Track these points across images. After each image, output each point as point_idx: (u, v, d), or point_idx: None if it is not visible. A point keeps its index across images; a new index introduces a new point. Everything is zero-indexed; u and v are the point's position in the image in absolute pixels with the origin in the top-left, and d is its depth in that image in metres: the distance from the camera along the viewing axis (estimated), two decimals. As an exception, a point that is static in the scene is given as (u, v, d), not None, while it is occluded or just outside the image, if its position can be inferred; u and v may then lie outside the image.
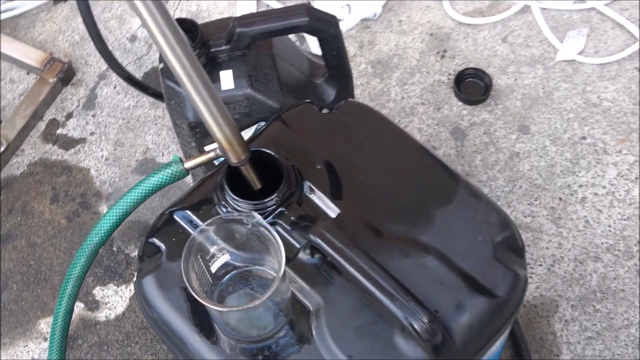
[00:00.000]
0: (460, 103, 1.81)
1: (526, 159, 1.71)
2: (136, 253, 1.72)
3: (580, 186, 1.65)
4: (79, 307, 1.67)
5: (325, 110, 1.01)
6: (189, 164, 0.92)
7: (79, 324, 1.65)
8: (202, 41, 1.06)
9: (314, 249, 0.88)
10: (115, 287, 1.68)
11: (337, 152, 0.96)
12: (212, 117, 0.83)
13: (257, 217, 0.82)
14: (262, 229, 0.84)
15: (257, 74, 1.11)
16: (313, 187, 0.92)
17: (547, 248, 1.58)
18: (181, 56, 0.76)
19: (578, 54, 1.84)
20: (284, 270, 0.80)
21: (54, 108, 1.95)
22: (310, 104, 1.02)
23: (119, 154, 1.86)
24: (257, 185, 0.94)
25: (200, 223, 0.93)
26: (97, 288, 1.69)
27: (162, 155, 1.83)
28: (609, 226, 1.59)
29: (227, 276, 0.90)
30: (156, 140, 1.86)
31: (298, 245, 0.91)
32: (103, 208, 1.79)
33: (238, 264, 0.89)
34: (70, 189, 1.83)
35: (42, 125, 1.93)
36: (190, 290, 0.78)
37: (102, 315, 1.66)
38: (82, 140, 1.90)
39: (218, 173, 0.96)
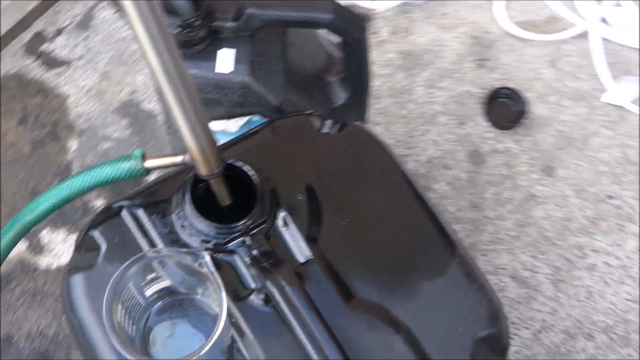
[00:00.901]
0: (486, 124, 1.68)
1: (542, 205, 1.58)
2: (98, 205, 1.62)
3: (594, 251, 1.54)
4: (21, 246, 1.57)
5: (325, 130, 0.89)
6: (150, 163, 0.81)
7: (16, 265, 1.56)
8: (207, 11, 0.94)
9: (269, 297, 0.78)
10: (65, 235, 1.58)
11: (326, 184, 0.85)
12: (185, 117, 0.71)
13: (207, 261, 0.72)
14: (209, 274, 0.74)
15: (262, 61, 0.99)
16: (288, 220, 0.82)
17: (540, 311, 1.47)
18: (153, 30, 0.63)
19: (630, 101, 1.71)
20: (222, 326, 0.71)
21: (44, 20, 1.81)
22: (310, 116, 0.91)
23: (104, 88, 1.73)
24: (226, 201, 0.83)
25: (150, 230, 0.83)
26: (46, 230, 1.59)
27: (149, 102, 1.71)
28: (612, 304, 1.47)
29: (162, 301, 0.80)
30: (147, 83, 1.72)
31: (253, 286, 0.81)
32: (72, 144, 1.67)
33: (178, 289, 0.80)
34: (42, 114, 1.70)
35: (26, 36, 1.79)
36: (111, 336, 0.68)
37: (44, 261, 1.56)
38: (67, 63, 1.76)
39: (185, 174, 0.85)
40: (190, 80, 0.71)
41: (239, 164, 0.81)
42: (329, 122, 0.91)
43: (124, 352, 0.70)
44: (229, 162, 0.80)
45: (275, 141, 0.89)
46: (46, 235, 1.60)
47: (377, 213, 0.84)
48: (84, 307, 0.81)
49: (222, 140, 1.10)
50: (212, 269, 0.73)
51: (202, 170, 0.77)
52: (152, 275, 0.76)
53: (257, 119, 1.04)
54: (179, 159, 0.79)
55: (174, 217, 0.82)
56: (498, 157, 1.65)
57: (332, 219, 0.85)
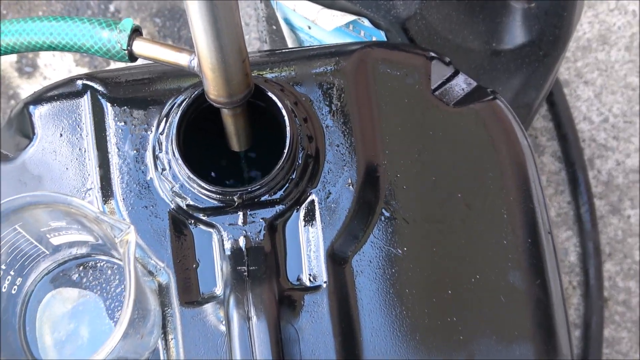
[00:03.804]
0: None
1: None
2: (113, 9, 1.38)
3: None
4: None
5: (442, 92, 0.61)
6: (140, 48, 0.56)
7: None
8: None
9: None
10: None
11: (405, 177, 0.59)
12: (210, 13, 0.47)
13: (129, 249, 0.47)
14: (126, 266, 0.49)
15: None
16: (316, 213, 0.57)
17: None
18: None
19: None
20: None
21: None
22: (436, 61, 0.62)
23: None
24: (240, 145, 0.62)
25: (111, 142, 0.59)
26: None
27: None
28: None
29: (72, 261, 0.57)
30: None
31: (215, 292, 0.57)
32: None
33: (97, 249, 0.57)
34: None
35: None
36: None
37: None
38: None
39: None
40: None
41: (277, 99, 0.55)
42: (460, 80, 0.62)
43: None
44: (260, 85, 0.56)
45: (358, 81, 0.62)
46: None
47: (463, 241, 0.57)
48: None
49: (289, 40, 0.82)
50: (131, 261, 0.49)
51: (214, 91, 0.53)
52: (59, 224, 0.53)
53: (367, 24, 0.76)
54: (182, 59, 0.55)
55: (152, 137, 0.60)
56: None
57: (389, 235, 0.60)
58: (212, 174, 0.65)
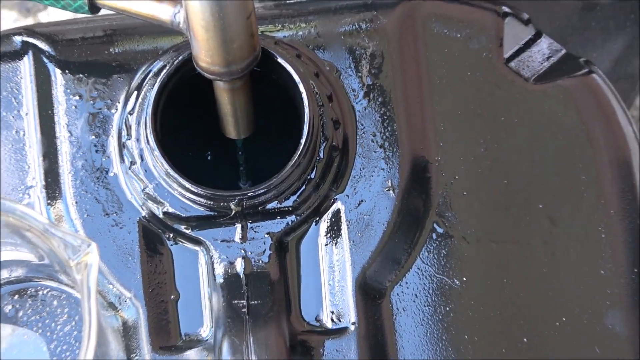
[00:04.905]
0: None
1: None
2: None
3: None
4: None
5: (518, 62, 0.49)
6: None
7: None
8: None
9: None
10: None
11: (465, 175, 0.48)
12: None
13: (89, 275, 0.36)
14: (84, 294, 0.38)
15: None
16: (343, 227, 0.45)
17: None
18: None
19: None
20: None
21: None
22: (512, 18, 0.52)
23: None
24: (239, 132, 0.51)
25: (62, 118, 0.47)
26: None
27: None
28: None
29: (5, 287, 0.45)
30: None
31: (200, 334, 0.50)
32: None
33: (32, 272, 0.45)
34: None
35: None
36: None
37: None
38: None
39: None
40: None
41: (287, 61, 0.46)
42: (542, 46, 0.52)
43: None
44: (269, 50, 0.47)
45: (402, 44, 0.52)
46: None
47: (559, 279, 0.48)
48: None
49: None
50: (92, 292, 0.38)
51: (206, 57, 0.45)
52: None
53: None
54: (163, 11, 0.46)
55: (117, 118, 0.51)
56: None
57: (442, 260, 0.50)
58: (200, 171, 0.53)
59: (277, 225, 0.47)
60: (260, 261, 0.47)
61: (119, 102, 0.48)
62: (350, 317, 0.46)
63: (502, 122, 0.48)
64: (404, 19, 0.49)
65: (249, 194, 0.45)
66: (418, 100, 0.48)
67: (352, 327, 0.46)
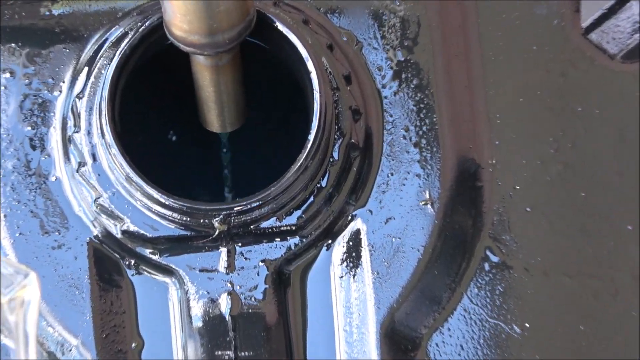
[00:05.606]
0: None
1: None
2: None
3: None
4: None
5: (597, 34, 0.39)
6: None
7: None
8: None
9: None
10: None
11: (530, 184, 0.38)
12: None
13: (25, 312, 0.33)
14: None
15: None
16: (364, 253, 0.35)
17: None
18: None
19: None
20: None
21: None
22: None
23: None
24: (224, 124, 0.42)
25: None
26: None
27: None
28: None
29: None
30: None
31: None
32: None
33: None
34: None
35: None
36: None
37: None
38: None
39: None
40: None
41: (291, 29, 0.37)
42: (630, 13, 0.42)
43: None
44: (266, 14, 0.38)
45: (445, 9, 0.41)
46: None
47: None
48: None
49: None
50: (30, 337, 0.32)
51: (182, 22, 0.37)
52: None
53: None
54: None
55: (62, 103, 0.41)
56: None
57: (498, 298, 0.39)
58: (173, 176, 0.43)
59: (276, 250, 0.37)
60: (253, 298, 0.37)
61: (63, 82, 0.38)
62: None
63: (579, 114, 0.38)
64: (448, -26, 0.40)
65: (238, 208, 0.36)
66: (466, 84, 0.38)
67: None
